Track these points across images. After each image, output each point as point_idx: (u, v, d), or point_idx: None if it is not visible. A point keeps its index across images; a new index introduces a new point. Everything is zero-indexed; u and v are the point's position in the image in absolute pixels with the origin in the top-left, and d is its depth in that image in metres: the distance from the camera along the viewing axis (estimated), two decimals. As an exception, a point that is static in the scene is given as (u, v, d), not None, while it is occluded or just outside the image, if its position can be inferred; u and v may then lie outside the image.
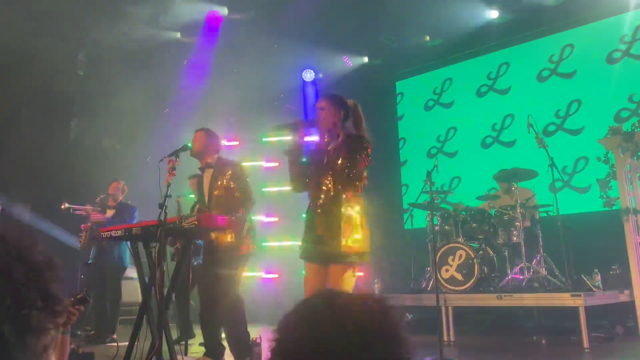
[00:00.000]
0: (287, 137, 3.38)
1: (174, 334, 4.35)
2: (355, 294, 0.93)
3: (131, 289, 6.78)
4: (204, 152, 4.04)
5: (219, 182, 3.93)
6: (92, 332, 5.70)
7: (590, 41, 6.80)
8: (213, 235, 3.75)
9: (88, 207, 5.82)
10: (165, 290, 3.29)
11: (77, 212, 5.85)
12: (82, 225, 5.78)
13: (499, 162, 6.95)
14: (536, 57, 7.24)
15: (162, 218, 3.11)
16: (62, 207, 5.80)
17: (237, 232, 3.77)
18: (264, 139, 8.03)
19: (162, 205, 3.10)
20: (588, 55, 6.80)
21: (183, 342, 4.62)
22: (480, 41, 7.66)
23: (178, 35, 7.94)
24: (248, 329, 3.87)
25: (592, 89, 6.69)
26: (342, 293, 0.93)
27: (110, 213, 5.76)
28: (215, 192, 3.92)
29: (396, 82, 8.75)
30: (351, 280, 2.98)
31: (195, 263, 4.96)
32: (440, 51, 8.00)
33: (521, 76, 7.36)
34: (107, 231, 3.69)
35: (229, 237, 3.75)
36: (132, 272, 6.54)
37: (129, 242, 3.68)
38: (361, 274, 6.54)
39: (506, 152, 7.24)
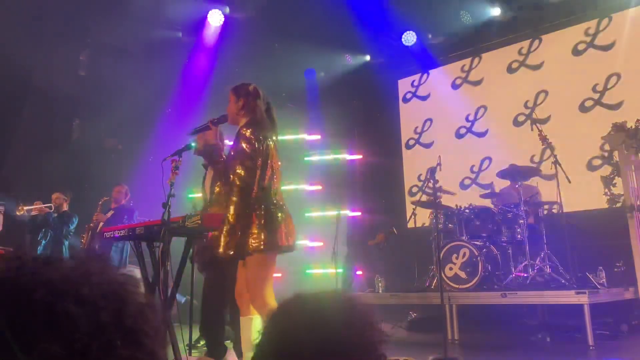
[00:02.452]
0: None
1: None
2: (325, 295, 0.96)
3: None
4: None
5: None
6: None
7: (629, 13, 6.50)
8: (215, 233, 3.73)
9: (38, 203, 5.97)
10: (169, 290, 3.29)
11: (33, 212, 5.99)
12: (87, 225, 5.93)
13: (533, 140, 6.81)
14: (571, 30, 6.93)
15: (166, 217, 3.10)
16: (19, 212, 5.90)
17: None
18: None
19: (165, 205, 3.09)
20: (627, 27, 6.46)
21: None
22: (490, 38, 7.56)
23: (179, 34, 7.94)
24: None
25: (632, 62, 6.37)
26: (312, 296, 0.96)
27: (110, 214, 5.92)
28: (217, 189, 3.91)
29: (398, 80, 8.72)
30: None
31: None
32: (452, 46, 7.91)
33: (555, 50, 7.01)
34: (110, 231, 3.68)
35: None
36: (135, 272, 6.56)
37: (132, 242, 3.68)
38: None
39: (541, 128, 7.02)
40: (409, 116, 8.47)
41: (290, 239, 2.92)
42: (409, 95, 8.53)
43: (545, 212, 5.83)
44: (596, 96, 6.60)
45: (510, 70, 7.41)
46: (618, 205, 5.17)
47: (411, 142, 8.35)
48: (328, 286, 6.23)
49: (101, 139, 8.16)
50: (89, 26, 7.20)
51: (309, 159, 8.16)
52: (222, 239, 2.85)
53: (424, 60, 8.14)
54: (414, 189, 8.05)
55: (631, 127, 4.90)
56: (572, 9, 6.88)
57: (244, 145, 2.87)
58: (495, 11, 7.37)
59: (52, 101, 7.50)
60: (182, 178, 3.52)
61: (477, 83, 7.75)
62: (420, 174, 7.99)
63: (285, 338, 0.88)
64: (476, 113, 7.65)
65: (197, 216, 3.19)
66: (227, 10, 7.65)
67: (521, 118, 7.14)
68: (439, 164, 5.47)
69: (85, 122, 8.15)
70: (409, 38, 7.94)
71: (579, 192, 6.46)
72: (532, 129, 5.54)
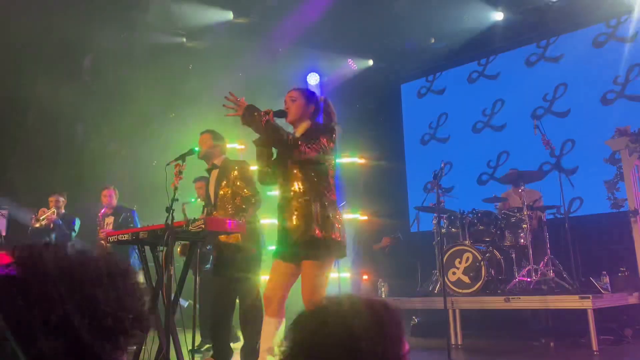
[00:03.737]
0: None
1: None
2: (358, 299, 0.95)
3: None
4: (211, 153, 4.07)
5: (224, 182, 3.95)
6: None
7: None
8: (223, 237, 3.76)
9: (43, 210, 5.93)
10: (173, 294, 3.29)
11: (46, 222, 5.91)
12: (97, 243, 5.88)
13: (553, 133, 6.53)
14: (591, 22, 6.76)
15: (169, 222, 3.11)
16: (37, 225, 5.86)
17: (248, 232, 3.80)
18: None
19: (169, 209, 3.10)
20: None
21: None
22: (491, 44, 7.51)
23: (183, 39, 7.98)
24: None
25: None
26: (346, 299, 0.94)
27: (110, 220, 5.86)
28: (221, 192, 3.94)
29: (401, 85, 8.72)
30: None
31: (205, 268, 4.98)
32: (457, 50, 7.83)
33: (575, 42, 6.88)
34: (114, 234, 3.69)
35: (240, 238, 3.77)
36: (139, 276, 6.55)
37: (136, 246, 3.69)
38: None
39: (560, 122, 6.79)
40: (424, 111, 8.31)
41: None
42: (423, 90, 8.39)
43: (550, 216, 5.81)
44: (618, 88, 6.46)
45: (529, 63, 7.28)
46: (621, 209, 5.16)
47: (426, 138, 8.23)
48: (343, 291, 6.22)
49: (105, 144, 8.18)
50: (93, 31, 7.23)
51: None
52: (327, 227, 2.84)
53: (427, 64, 8.14)
54: (430, 185, 7.91)
55: (634, 131, 4.89)
56: (585, 12, 6.73)
57: (322, 149, 2.94)
58: (498, 15, 7.36)
59: (55, 106, 7.53)
60: (185, 182, 3.54)
61: (494, 77, 7.62)
62: (436, 170, 7.88)
63: (307, 344, 0.87)
64: (493, 107, 7.53)
65: (201, 220, 3.20)
66: (231, 15, 7.68)
67: (540, 112, 7.02)
68: (442, 168, 5.47)
69: (89, 127, 8.19)
70: (411, 43, 7.95)
71: (582, 196, 6.46)
72: (535, 133, 5.52)
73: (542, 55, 7.20)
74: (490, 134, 7.52)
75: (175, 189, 3.21)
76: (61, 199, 6.14)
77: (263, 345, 2.94)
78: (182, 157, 3.43)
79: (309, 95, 3.15)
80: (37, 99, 7.56)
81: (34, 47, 6.96)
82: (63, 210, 6.16)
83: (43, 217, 5.86)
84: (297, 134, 3.05)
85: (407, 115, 8.60)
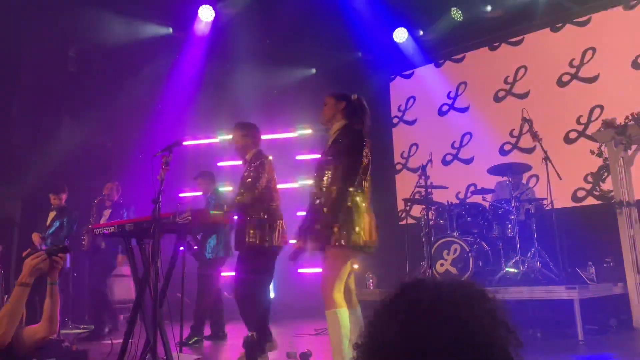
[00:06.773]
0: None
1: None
2: (450, 281, 0.83)
3: (125, 286, 6.76)
4: (242, 148, 4.11)
5: (244, 176, 4.03)
6: (86, 331, 5.83)
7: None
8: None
9: (34, 234, 5.87)
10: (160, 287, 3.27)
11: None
12: (85, 229, 5.91)
13: (581, 100, 6.52)
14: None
15: (156, 214, 3.08)
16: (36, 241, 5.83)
17: (260, 227, 3.84)
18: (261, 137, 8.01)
19: (155, 201, 3.07)
20: None
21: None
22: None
23: (170, 30, 7.89)
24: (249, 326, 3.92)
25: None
26: (441, 282, 0.82)
27: (107, 213, 5.88)
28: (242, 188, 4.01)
29: (391, 77, 8.69)
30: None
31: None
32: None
33: (603, 6, 6.56)
34: (100, 227, 3.65)
35: (251, 233, 3.83)
36: (125, 269, 6.52)
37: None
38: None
39: (588, 89, 6.51)
40: (442, 80, 7.98)
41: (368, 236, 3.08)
42: (441, 59, 8.06)
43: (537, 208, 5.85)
44: None
45: (554, 28, 6.96)
46: (607, 201, 5.21)
47: (444, 108, 7.91)
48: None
49: (90, 136, 8.07)
50: (79, 21, 7.12)
51: (300, 156, 8.12)
52: (333, 230, 2.93)
53: (416, 56, 8.12)
54: (448, 158, 7.70)
55: (620, 123, 4.93)
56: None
57: (353, 144, 3.03)
58: (488, 7, 7.34)
59: (41, 98, 7.42)
60: (172, 174, 3.50)
61: (517, 43, 7.28)
62: (455, 141, 7.65)
63: (411, 331, 0.74)
64: (515, 74, 7.20)
65: (188, 212, 3.18)
66: (219, 6, 7.60)
67: (566, 78, 6.73)
68: (430, 161, 5.48)
69: (75, 118, 8.07)
70: (401, 34, 7.93)
71: (568, 188, 6.50)
72: (522, 128, 5.53)
73: (568, 20, 6.87)
74: (512, 102, 7.13)
75: (162, 180, 3.18)
76: (63, 196, 6.06)
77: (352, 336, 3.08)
78: (169, 149, 3.40)
79: (339, 95, 3.22)
80: (21, 91, 7.45)
81: (19, 39, 6.84)
82: (64, 205, 6.06)
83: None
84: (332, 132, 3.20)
85: (422, 85, 8.23)
